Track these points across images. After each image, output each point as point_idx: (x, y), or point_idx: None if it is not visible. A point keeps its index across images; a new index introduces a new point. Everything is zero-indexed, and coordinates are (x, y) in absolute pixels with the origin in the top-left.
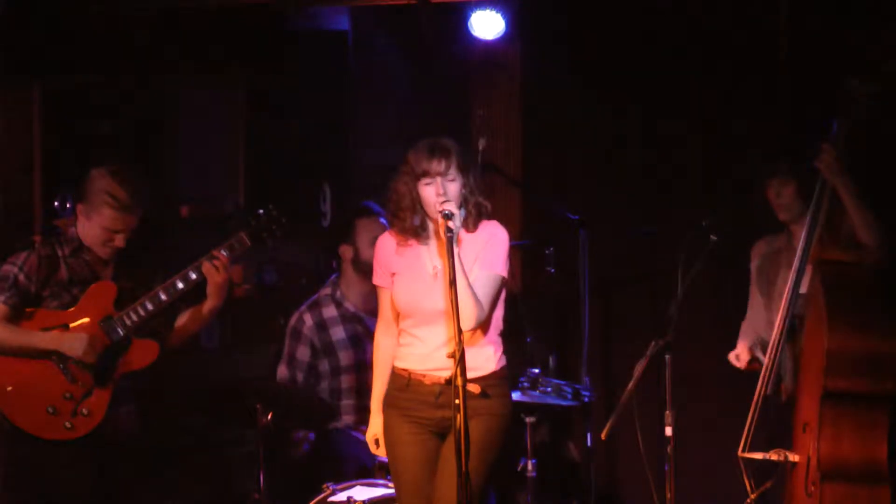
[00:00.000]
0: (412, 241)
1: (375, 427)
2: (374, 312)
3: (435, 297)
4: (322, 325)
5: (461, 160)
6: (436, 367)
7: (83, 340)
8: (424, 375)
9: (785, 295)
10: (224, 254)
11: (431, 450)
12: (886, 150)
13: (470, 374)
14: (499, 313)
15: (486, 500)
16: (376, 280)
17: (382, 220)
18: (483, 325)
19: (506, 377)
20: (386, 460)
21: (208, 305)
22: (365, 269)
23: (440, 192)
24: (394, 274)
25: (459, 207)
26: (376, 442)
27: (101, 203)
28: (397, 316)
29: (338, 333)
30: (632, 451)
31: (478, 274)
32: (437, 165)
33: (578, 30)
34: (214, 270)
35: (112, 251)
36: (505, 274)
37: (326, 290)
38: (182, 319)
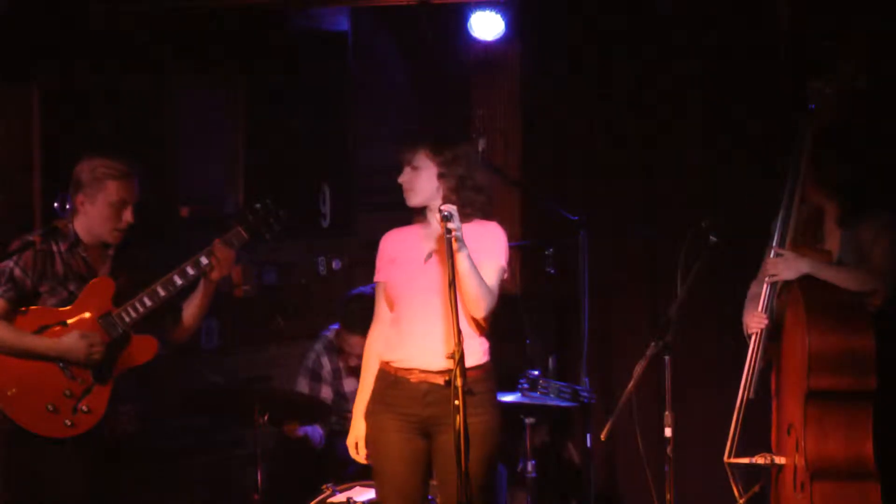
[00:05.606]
0: (416, 225)
1: (358, 430)
2: None
3: (421, 282)
4: (337, 373)
5: (439, 151)
6: (421, 363)
7: (82, 344)
8: (410, 371)
9: (762, 299)
10: (223, 248)
11: (417, 450)
12: (866, 150)
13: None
14: None
15: (493, 493)
16: (377, 276)
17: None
18: (472, 319)
19: (493, 370)
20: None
21: (209, 290)
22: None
23: (403, 179)
24: (392, 260)
25: (446, 201)
26: (356, 446)
27: (102, 179)
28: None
29: (351, 384)
30: (631, 451)
31: (484, 263)
32: (403, 153)
33: (578, 30)
34: (217, 265)
35: (122, 233)
36: (506, 266)
37: (333, 337)
38: (188, 312)
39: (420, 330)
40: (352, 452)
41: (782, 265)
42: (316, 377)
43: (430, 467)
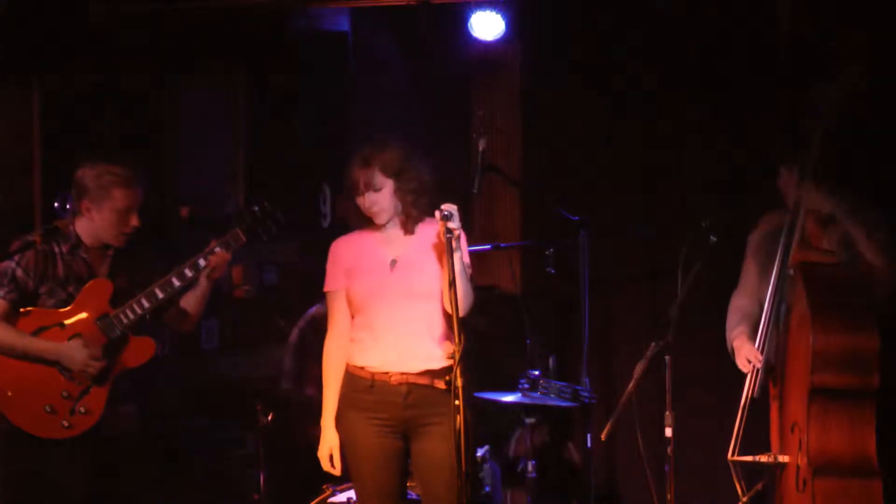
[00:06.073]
0: (369, 233)
1: (331, 440)
2: None
3: (392, 288)
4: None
5: (387, 165)
6: (401, 368)
7: (82, 355)
8: (388, 374)
9: (767, 303)
10: (220, 251)
11: (395, 448)
12: (870, 151)
13: (435, 365)
14: None
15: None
16: (328, 286)
17: None
18: (446, 318)
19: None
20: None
21: (206, 289)
22: None
23: (365, 205)
24: (351, 269)
25: (403, 211)
26: (330, 458)
27: (108, 187)
28: (351, 322)
29: None
30: (632, 451)
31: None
32: (357, 177)
33: (578, 30)
34: (215, 267)
35: (127, 236)
36: (470, 264)
37: (322, 310)
38: (187, 307)
39: (397, 335)
40: (324, 464)
41: (819, 196)
42: (301, 354)
43: (408, 467)
